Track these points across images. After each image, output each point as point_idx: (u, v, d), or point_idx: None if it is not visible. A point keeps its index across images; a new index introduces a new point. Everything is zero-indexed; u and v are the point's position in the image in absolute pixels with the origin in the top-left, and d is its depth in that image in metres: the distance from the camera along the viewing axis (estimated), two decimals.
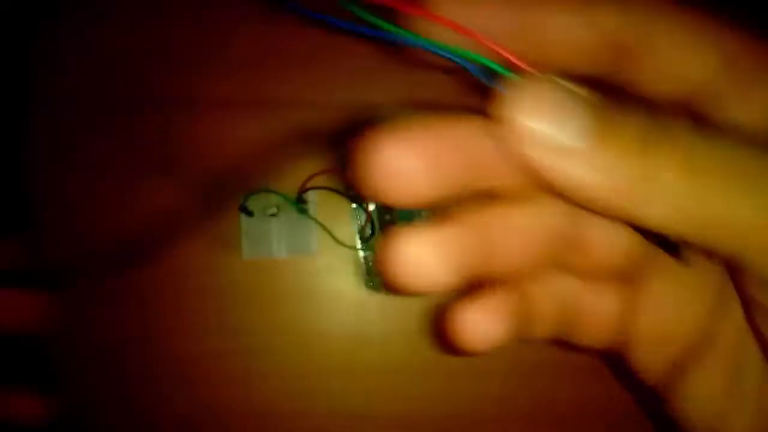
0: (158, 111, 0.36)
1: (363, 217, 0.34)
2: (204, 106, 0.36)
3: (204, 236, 0.35)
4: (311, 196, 0.34)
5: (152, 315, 0.35)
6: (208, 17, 0.37)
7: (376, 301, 0.35)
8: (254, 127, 0.36)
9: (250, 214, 0.35)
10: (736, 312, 0.15)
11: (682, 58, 0.14)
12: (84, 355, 0.35)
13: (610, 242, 0.15)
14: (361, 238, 0.35)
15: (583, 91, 0.13)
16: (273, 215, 0.35)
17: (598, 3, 0.14)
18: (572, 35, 0.14)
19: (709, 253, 0.13)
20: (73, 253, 0.35)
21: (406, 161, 0.13)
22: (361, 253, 0.35)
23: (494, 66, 0.13)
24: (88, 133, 0.36)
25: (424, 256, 0.13)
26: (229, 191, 0.35)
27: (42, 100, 0.36)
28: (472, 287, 0.15)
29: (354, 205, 0.35)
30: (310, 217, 0.34)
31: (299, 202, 0.34)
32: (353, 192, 0.35)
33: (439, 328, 0.35)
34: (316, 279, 0.35)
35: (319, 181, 0.34)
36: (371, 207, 0.35)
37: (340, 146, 0.34)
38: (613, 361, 0.24)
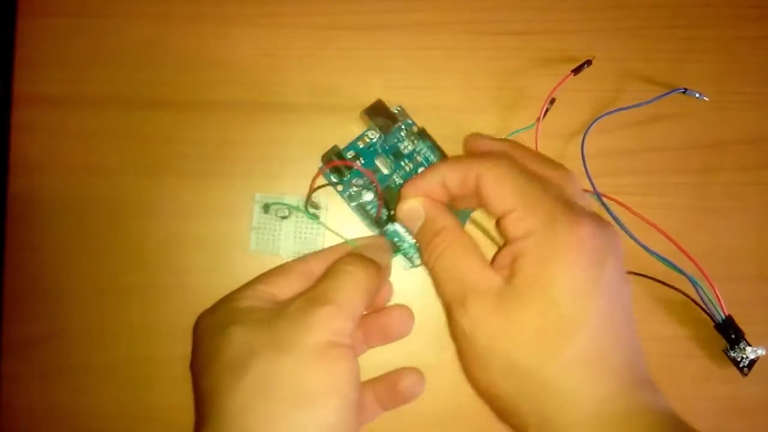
0: (166, 111, 0.36)
1: (371, 203, 0.35)
2: (214, 107, 0.36)
3: (215, 233, 0.36)
4: (323, 202, 0.35)
5: (154, 308, 0.35)
6: (211, 19, 0.37)
7: None
8: (259, 129, 0.36)
9: (266, 211, 0.35)
10: None
11: (488, 205, 0.29)
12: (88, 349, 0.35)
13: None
14: (376, 222, 0.35)
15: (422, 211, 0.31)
16: (284, 217, 0.35)
17: (467, 173, 0.29)
18: (461, 188, 0.30)
19: None
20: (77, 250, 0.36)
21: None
22: None
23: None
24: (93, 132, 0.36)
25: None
26: (241, 191, 0.36)
27: (41, 100, 0.36)
28: None
29: (365, 193, 0.35)
30: (321, 224, 0.35)
31: (311, 207, 0.35)
32: (366, 180, 0.35)
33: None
34: None
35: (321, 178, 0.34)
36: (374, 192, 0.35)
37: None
38: None
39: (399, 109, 0.36)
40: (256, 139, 0.36)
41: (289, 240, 0.35)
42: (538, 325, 0.26)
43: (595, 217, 0.28)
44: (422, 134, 0.35)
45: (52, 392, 0.35)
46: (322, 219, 0.35)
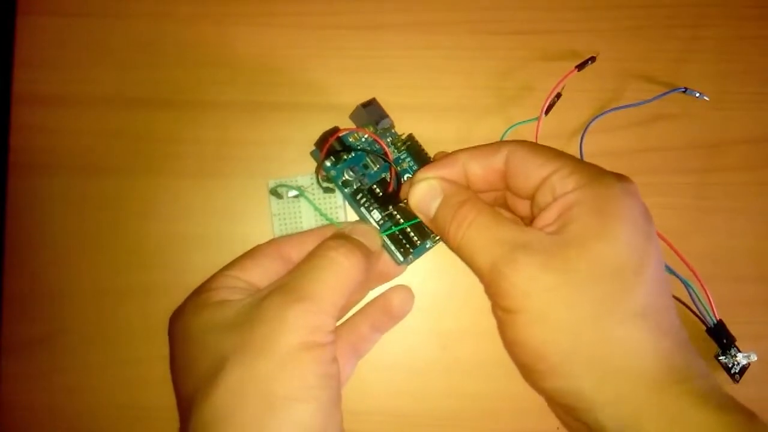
0: (166, 111, 0.36)
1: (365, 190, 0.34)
2: (214, 107, 0.36)
3: (215, 233, 0.36)
4: (331, 172, 0.34)
5: (154, 308, 0.35)
6: (211, 19, 0.37)
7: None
8: (259, 129, 0.36)
9: (279, 196, 0.35)
10: None
11: (526, 176, 0.28)
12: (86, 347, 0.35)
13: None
14: (385, 195, 0.34)
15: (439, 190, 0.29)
16: (296, 197, 0.35)
17: (493, 155, 0.29)
18: (484, 171, 0.29)
19: None
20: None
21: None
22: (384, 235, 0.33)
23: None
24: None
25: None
26: (241, 191, 0.36)
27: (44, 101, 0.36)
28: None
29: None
30: (338, 186, 0.34)
31: (324, 181, 0.34)
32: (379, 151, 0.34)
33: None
34: None
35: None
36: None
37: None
38: None
39: (390, 122, 0.35)
40: (255, 139, 0.36)
41: (311, 219, 0.35)
42: (598, 272, 0.25)
43: None
44: (409, 141, 0.34)
45: (52, 392, 0.35)
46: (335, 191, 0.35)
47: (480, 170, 0.29)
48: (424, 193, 0.29)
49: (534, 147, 0.28)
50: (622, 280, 0.25)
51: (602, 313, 0.24)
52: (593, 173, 0.26)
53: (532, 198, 0.28)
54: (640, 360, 0.24)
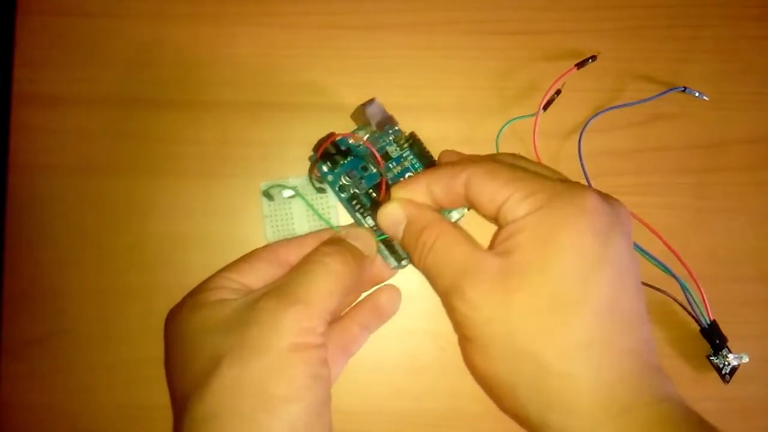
0: (166, 111, 0.36)
1: (361, 196, 0.34)
2: (214, 107, 0.36)
3: (215, 232, 0.36)
4: (328, 177, 0.34)
5: (154, 308, 0.35)
6: (211, 19, 0.37)
7: None
8: (259, 129, 0.36)
9: (271, 198, 0.35)
10: None
11: (483, 201, 0.28)
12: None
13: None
14: (373, 203, 0.33)
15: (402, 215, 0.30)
16: (291, 197, 0.35)
17: (453, 179, 0.29)
18: (446, 194, 0.29)
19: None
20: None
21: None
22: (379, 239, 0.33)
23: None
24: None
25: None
26: (241, 191, 0.36)
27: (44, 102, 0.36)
28: None
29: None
30: (335, 192, 0.34)
31: (317, 182, 0.34)
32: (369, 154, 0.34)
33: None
34: None
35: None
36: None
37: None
38: None
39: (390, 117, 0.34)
40: (256, 139, 0.36)
41: (303, 220, 0.35)
42: (536, 304, 0.25)
43: (601, 193, 0.27)
44: (411, 140, 0.34)
45: (52, 392, 0.35)
46: (329, 193, 0.35)
47: (442, 193, 0.29)
48: (390, 219, 0.30)
49: (493, 170, 0.28)
50: (560, 312, 0.24)
51: (540, 347, 0.24)
52: (546, 197, 0.26)
53: (495, 220, 0.28)
54: (578, 395, 0.24)
